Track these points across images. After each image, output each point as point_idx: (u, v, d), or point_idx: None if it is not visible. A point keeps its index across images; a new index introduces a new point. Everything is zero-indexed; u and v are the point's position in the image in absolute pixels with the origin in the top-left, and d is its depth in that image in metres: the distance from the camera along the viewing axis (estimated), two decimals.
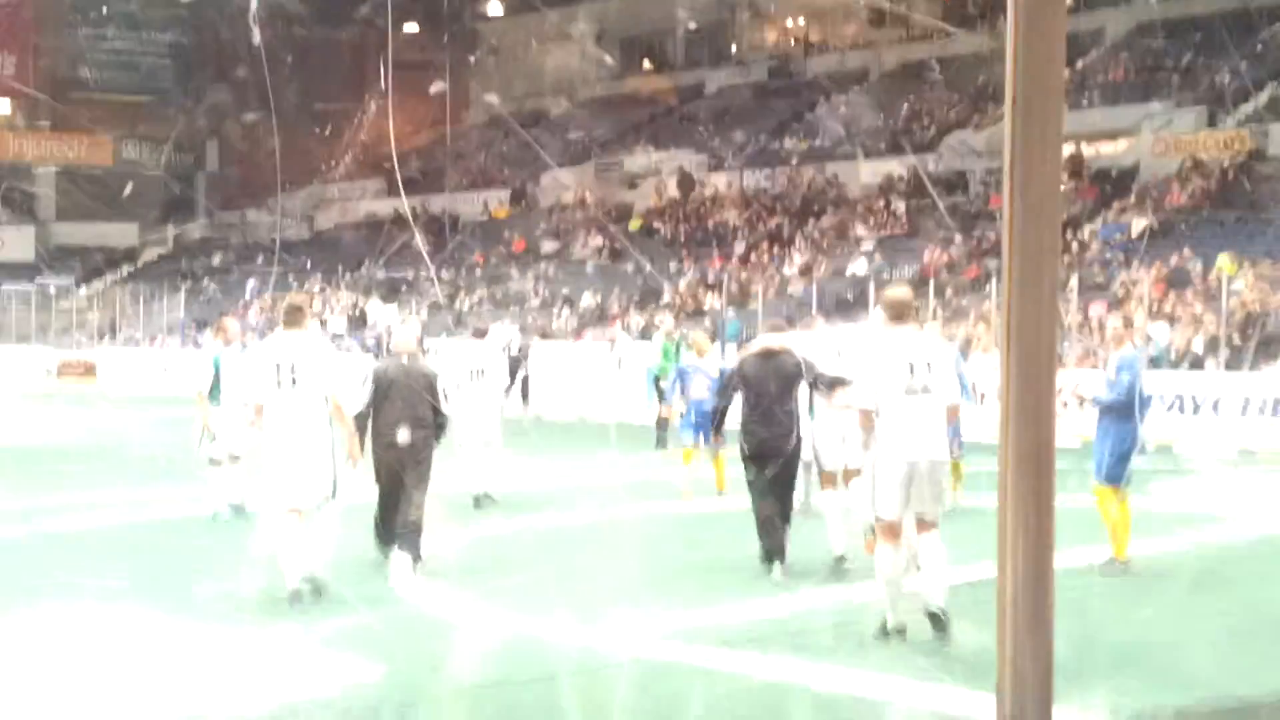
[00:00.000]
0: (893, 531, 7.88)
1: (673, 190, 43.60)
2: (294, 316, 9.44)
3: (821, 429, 10.28)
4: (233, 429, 12.25)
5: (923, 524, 7.92)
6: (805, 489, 11.30)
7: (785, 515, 9.99)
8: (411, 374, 10.53)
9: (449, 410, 11.26)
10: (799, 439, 10.04)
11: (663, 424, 18.22)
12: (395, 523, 10.09)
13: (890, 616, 7.88)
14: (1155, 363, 22.16)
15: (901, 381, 7.83)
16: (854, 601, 8.89)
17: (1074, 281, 25.85)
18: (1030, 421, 4.02)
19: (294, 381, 9.09)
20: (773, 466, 9.87)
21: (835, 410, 9.77)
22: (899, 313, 8.11)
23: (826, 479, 10.37)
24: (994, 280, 27.28)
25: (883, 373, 7.90)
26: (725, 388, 10.55)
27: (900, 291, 8.54)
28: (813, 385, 9.97)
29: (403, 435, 10.14)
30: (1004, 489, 4.10)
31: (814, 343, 10.79)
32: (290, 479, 9.00)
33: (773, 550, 9.83)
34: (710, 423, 11.32)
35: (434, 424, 10.40)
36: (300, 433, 9.05)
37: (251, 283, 46.45)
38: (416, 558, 10.01)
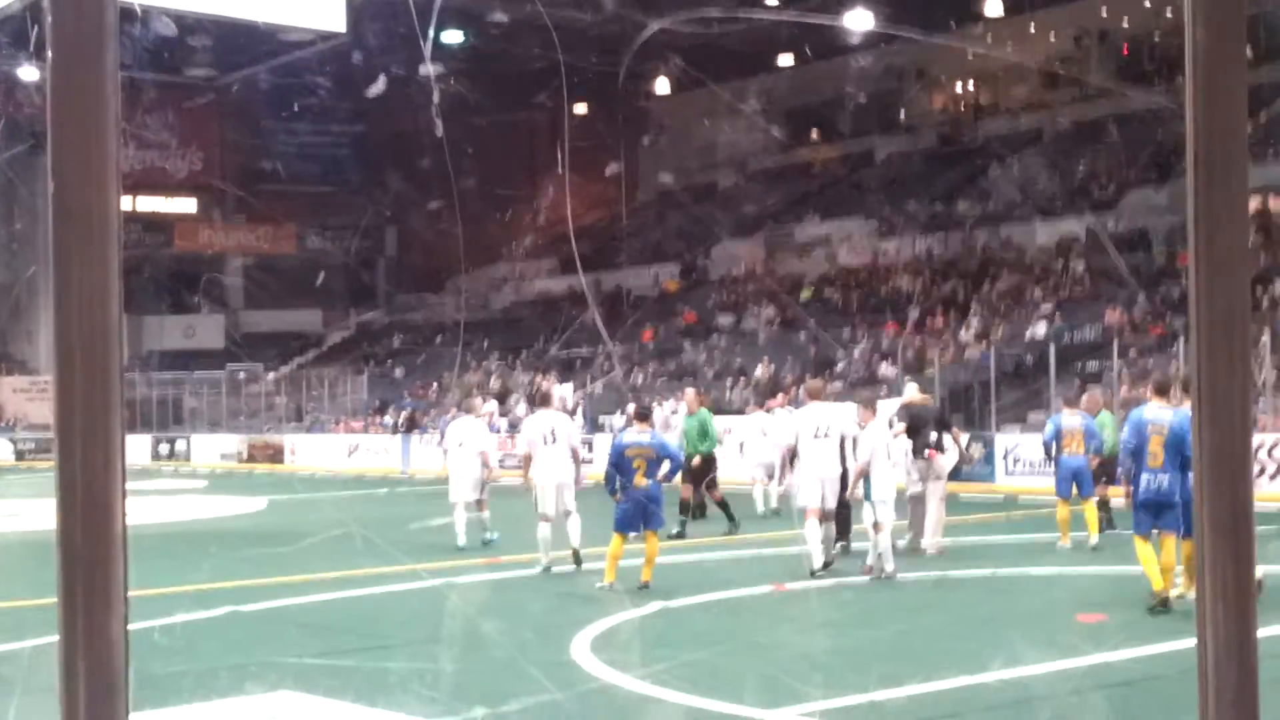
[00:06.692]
0: (811, 513, 13.04)
1: (844, 257, 43.46)
2: (547, 399, 16.86)
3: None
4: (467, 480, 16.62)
5: (825, 514, 13.14)
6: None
7: (841, 534, 14.41)
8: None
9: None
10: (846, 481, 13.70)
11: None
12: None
13: (816, 561, 13.00)
14: None
15: (812, 431, 13.26)
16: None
17: (1265, 338, 24.96)
18: (1226, 485, 3.90)
19: (554, 439, 13.93)
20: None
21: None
22: (814, 394, 14.08)
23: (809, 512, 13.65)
24: (1180, 339, 26.47)
25: (803, 427, 13.43)
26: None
27: (815, 383, 15.24)
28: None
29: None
30: (1201, 555, 3.96)
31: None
32: (549, 499, 13.82)
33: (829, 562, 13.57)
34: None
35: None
36: (557, 472, 13.92)
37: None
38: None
